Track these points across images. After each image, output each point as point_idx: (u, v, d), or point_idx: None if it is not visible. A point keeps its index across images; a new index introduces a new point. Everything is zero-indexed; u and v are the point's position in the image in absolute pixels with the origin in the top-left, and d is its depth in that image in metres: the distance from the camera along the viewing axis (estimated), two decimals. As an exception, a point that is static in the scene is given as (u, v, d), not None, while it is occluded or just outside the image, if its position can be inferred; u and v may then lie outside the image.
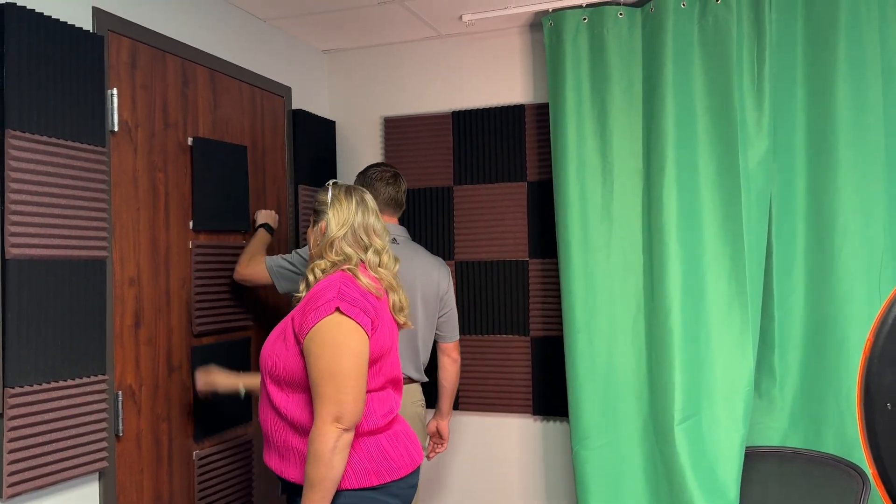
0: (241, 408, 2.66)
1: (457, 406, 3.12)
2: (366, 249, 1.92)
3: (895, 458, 1.00)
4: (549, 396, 3.00)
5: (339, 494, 1.76)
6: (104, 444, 2.05)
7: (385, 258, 1.94)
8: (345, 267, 1.87)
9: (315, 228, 1.98)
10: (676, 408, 2.55)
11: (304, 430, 1.80)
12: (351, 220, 1.91)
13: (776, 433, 2.61)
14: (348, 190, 1.96)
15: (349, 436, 1.73)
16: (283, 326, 1.86)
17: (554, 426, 3.02)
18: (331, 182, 1.99)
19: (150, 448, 2.28)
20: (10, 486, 1.80)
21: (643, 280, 2.71)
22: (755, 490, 2.54)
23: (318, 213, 1.97)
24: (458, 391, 3.12)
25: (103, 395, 2.06)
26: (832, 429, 2.48)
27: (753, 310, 2.55)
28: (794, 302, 2.58)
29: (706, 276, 2.59)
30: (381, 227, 1.96)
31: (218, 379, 2.31)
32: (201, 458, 2.46)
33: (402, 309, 1.96)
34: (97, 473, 2.08)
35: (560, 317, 2.94)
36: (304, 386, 1.79)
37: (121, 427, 2.16)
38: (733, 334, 2.56)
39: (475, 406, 3.10)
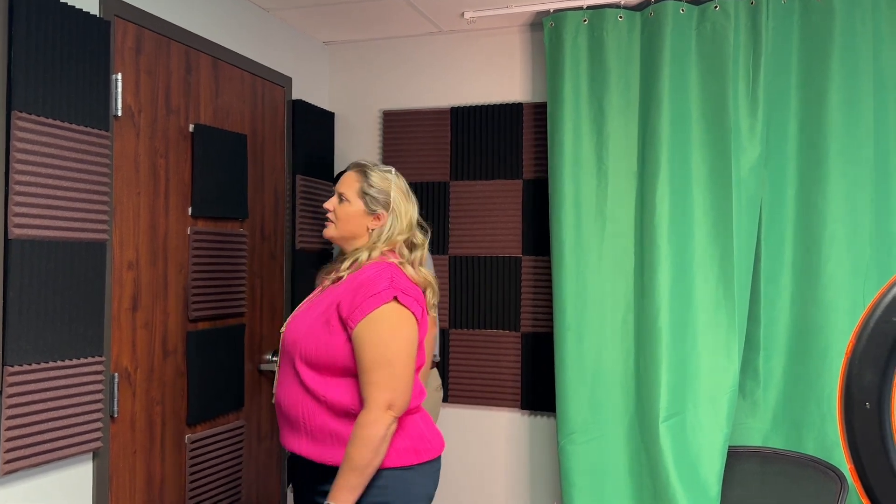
0: (233, 394, 2.69)
1: (446, 398, 3.15)
2: (412, 248, 1.95)
3: (871, 454, 1.05)
4: (538, 391, 3.04)
5: (378, 474, 1.77)
6: (99, 424, 2.08)
7: (424, 252, 1.97)
8: (393, 260, 1.90)
9: (368, 214, 1.93)
10: (661, 405, 2.60)
11: (345, 413, 1.80)
12: (413, 221, 1.95)
13: (758, 434, 2.66)
14: (405, 183, 1.99)
15: (396, 424, 1.76)
16: (323, 310, 1.85)
17: (541, 421, 3.06)
18: (394, 170, 1.98)
19: (143, 430, 2.30)
20: (7, 462, 1.83)
21: (633, 280, 2.75)
22: (736, 488, 2.60)
23: (374, 199, 1.93)
24: (448, 384, 3.15)
25: (100, 377, 2.08)
26: (813, 432, 2.53)
27: (740, 313, 2.60)
28: (780, 307, 2.63)
29: (695, 278, 2.64)
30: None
31: None
32: (193, 442, 2.48)
33: (434, 306, 1.99)
34: (91, 453, 2.10)
35: (551, 314, 2.98)
36: (348, 370, 1.80)
37: (115, 408, 2.19)
38: (720, 336, 2.61)
39: (464, 399, 3.14)
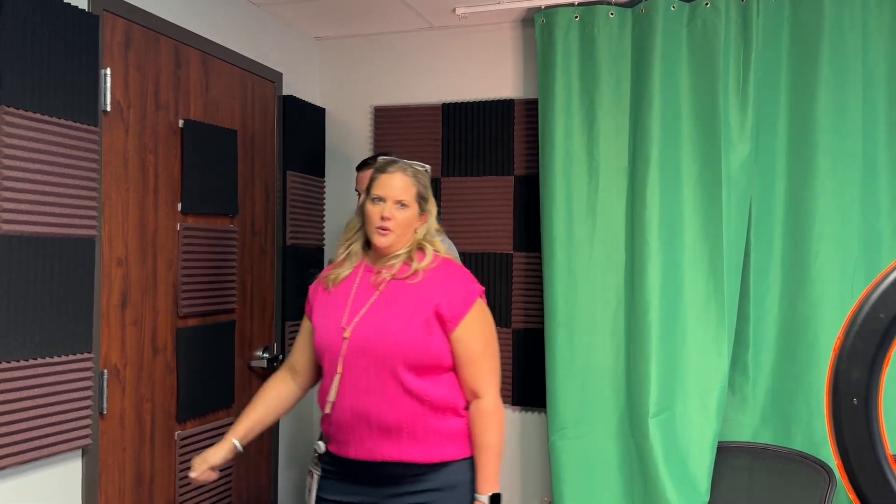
0: (223, 391, 2.68)
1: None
2: None
3: (858, 450, 1.06)
4: (529, 387, 3.05)
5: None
6: (88, 421, 2.07)
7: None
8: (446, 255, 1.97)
9: (419, 216, 1.92)
10: (651, 401, 2.60)
11: (445, 409, 1.85)
12: None
13: (747, 429, 2.68)
14: None
15: None
16: (415, 311, 1.83)
17: (532, 416, 3.07)
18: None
19: (133, 427, 2.29)
20: (-5, 460, 1.82)
21: (624, 276, 2.76)
22: (726, 484, 2.61)
23: (427, 200, 1.94)
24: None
25: (89, 374, 2.07)
26: (801, 427, 2.55)
27: (730, 309, 2.61)
28: (769, 303, 2.65)
29: (685, 274, 2.65)
30: None
31: (211, 456, 1.94)
32: (183, 439, 2.48)
33: None
34: (80, 450, 2.09)
35: (542, 310, 2.98)
36: (446, 368, 1.87)
37: (105, 405, 2.18)
38: (709, 332, 2.62)
39: (455, 395, 3.14)
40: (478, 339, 1.87)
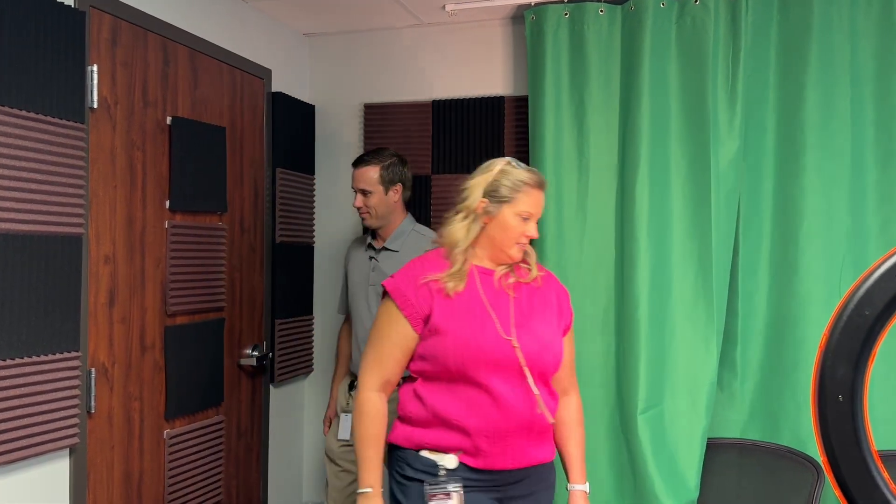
0: (211, 390, 2.67)
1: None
2: None
3: (843, 446, 1.07)
4: (519, 385, 3.04)
5: None
6: (76, 420, 2.06)
7: None
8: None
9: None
10: (640, 397, 2.61)
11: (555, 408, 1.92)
12: None
13: (736, 425, 2.69)
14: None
15: None
16: (552, 319, 1.89)
17: (522, 414, 3.07)
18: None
19: (121, 426, 2.28)
20: (-19, 459, 1.81)
21: (614, 274, 2.76)
22: (715, 480, 2.62)
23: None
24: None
25: (76, 372, 2.06)
26: (789, 423, 2.57)
27: (718, 305, 2.62)
28: (757, 300, 2.66)
29: (674, 272, 2.65)
30: None
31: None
32: (172, 437, 2.47)
33: None
34: (68, 449, 2.08)
35: (532, 307, 2.99)
36: None
37: (93, 404, 2.17)
38: (698, 329, 2.63)
39: (445, 392, 3.14)
40: (571, 339, 2.00)
